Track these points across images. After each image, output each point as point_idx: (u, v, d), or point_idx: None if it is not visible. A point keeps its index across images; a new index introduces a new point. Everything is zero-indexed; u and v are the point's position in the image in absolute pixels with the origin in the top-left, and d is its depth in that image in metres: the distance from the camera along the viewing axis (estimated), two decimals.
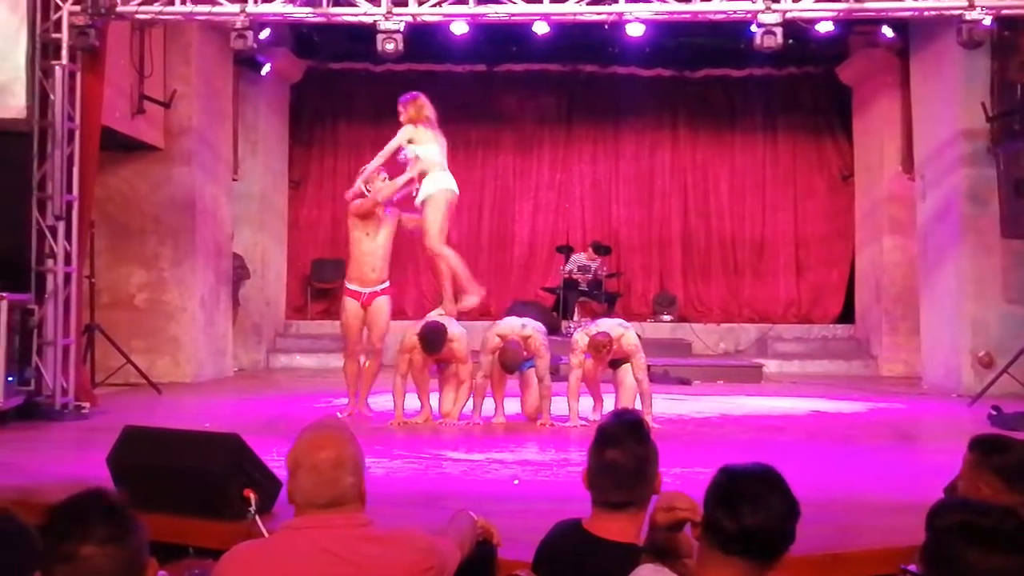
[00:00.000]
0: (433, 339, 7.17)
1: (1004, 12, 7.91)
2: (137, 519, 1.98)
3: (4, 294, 7.13)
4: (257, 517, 3.60)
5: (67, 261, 7.93)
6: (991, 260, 9.90)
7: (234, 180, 11.65)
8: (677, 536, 2.50)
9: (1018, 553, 1.94)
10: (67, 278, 7.94)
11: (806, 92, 13.71)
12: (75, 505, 1.95)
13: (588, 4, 7.96)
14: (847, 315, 13.33)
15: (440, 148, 7.85)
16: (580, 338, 7.38)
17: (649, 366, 10.62)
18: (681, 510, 2.38)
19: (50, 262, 7.86)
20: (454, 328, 7.41)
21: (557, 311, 12.73)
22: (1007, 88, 9.61)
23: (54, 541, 1.91)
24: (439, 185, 7.72)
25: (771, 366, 11.82)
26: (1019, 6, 7.81)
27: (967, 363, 9.85)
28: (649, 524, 2.52)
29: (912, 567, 2.12)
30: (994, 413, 7.67)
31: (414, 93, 7.92)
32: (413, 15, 7.95)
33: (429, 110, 7.84)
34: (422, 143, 7.75)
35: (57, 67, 7.81)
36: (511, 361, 7.25)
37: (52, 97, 7.80)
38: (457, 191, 7.86)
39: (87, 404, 7.89)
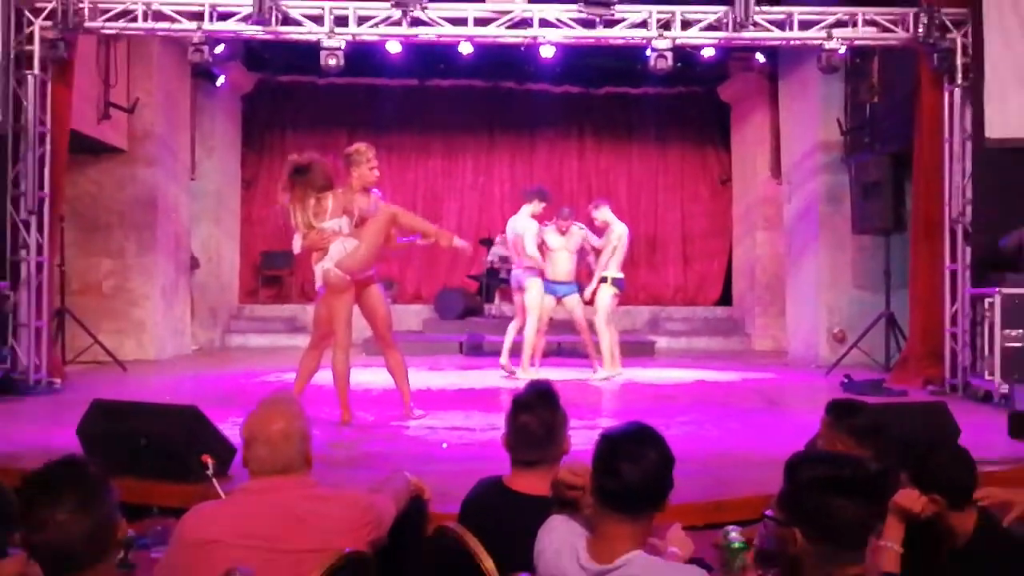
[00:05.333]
0: None
1: (856, 43, 8.15)
2: (108, 486, 1.92)
3: None
4: (214, 480, 3.52)
5: (39, 251, 7.69)
6: (844, 253, 10.17)
7: (192, 180, 11.37)
8: (576, 494, 2.50)
9: (867, 499, 1.99)
10: (39, 266, 7.70)
11: (692, 108, 13.83)
12: (48, 474, 1.89)
13: (507, 28, 7.97)
14: (725, 299, 13.55)
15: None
16: None
17: (559, 343, 10.80)
18: (576, 476, 2.35)
19: (24, 252, 7.62)
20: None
21: (480, 295, 12.74)
22: (858, 107, 9.88)
23: (29, 508, 1.85)
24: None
25: (662, 342, 11.97)
26: (868, 38, 8.05)
27: (824, 339, 10.10)
28: (552, 482, 2.53)
29: (770, 512, 2.13)
30: (846, 380, 7.90)
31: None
32: (353, 34, 7.85)
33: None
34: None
35: (29, 76, 7.54)
36: None
37: (25, 104, 7.54)
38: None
39: (58, 380, 7.68)
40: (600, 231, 8.71)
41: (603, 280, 8.48)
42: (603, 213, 8.67)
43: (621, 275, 8.59)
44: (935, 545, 2.53)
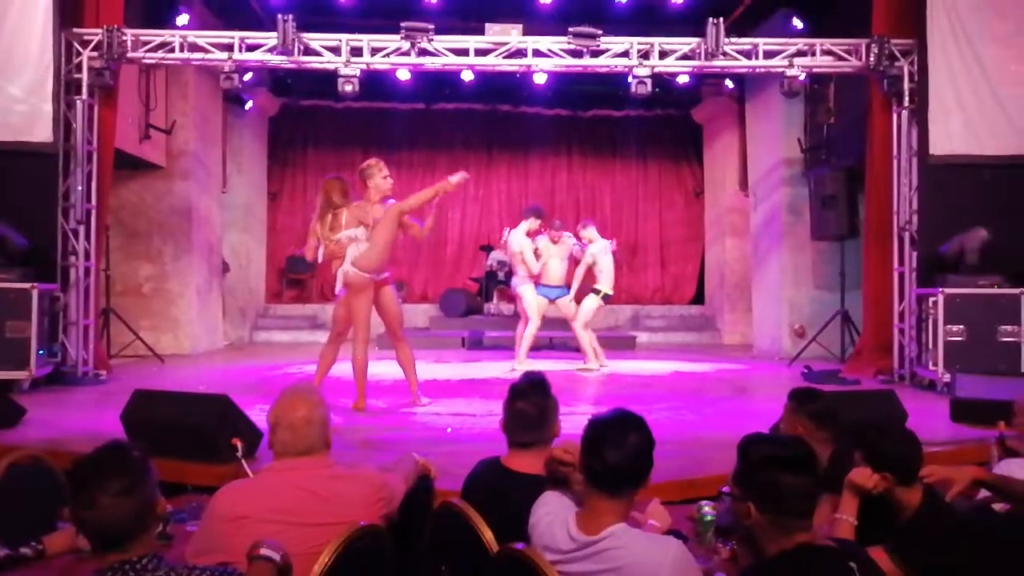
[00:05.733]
0: None
1: (815, 71, 8.16)
2: (149, 469, 1.90)
3: (36, 284, 6.86)
4: (243, 461, 3.52)
5: (87, 257, 7.65)
6: (804, 256, 10.18)
7: (223, 193, 11.34)
8: (568, 470, 2.51)
9: (809, 473, 2.02)
10: (87, 271, 7.66)
11: (668, 129, 13.81)
12: (96, 459, 1.87)
13: (504, 58, 7.96)
14: (699, 298, 13.54)
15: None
16: None
17: (551, 338, 10.79)
18: (567, 454, 2.36)
19: (73, 258, 7.58)
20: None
21: (481, 296, 12.74)
22: (816, 128, 9.88)
23: (79, 490, 1.84)
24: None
25: (642, 337, 11.97)
26: (826, 66, 8.05)
27: (786, 334, 10.11)
28: (546, 459, 2.52)
29: (726, 488, 2.14)
30: (806, 371, 7.92)
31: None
32: (367, 63, 7.84)
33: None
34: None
35: (78, 101, 7.53)
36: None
37: (74, 125, 7.52)
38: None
39: (103, 372, 7.65)
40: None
41: (595, 292, 8.50)
42: (589, 232, 8.68)
43: (611, 293, 8.62)
44: (885, 517, 2.53)
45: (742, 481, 2.03)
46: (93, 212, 7.68)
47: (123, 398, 4.57)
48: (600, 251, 8.50)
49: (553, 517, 2.19)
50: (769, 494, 1.98)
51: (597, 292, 8.48)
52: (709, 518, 2.71)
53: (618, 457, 2.08)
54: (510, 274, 12.30)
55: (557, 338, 10.74)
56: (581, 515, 2.15)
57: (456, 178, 6.04)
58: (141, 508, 1.85)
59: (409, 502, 2.61)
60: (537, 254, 8.51)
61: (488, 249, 13.02)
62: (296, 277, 13.33)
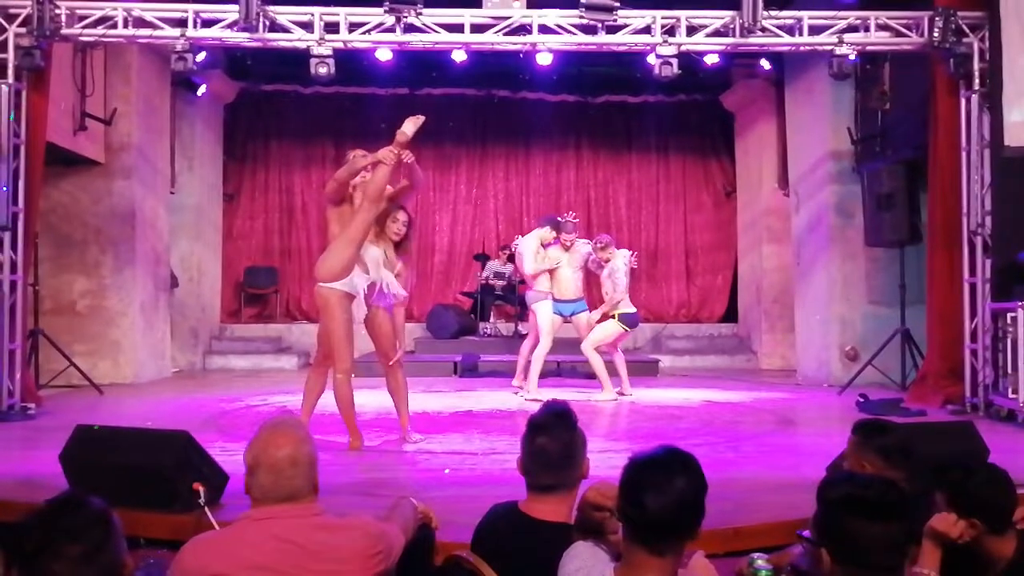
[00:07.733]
0: None
1: (868, 48, 8.21)
2: (112, 527, 1.87)
3: None
4: (206, 509, 3.51)
5: (13, 270, 7.63)
6: (856, 266, 10.20)
7: (171, 193, 11.34)
8: (604, 516, 2.50)
9: (897, 521, 2.01)
10: (12, 286, 7.64)
11: (694, 117, 13.89)
12: (48, 519, 1.82)
13: (504, 34, 8.00)
14: (731, 315, 13.57)
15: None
16: None
17: (559, 363, 10.78)
18: (604, 497, 2.36)
19: None
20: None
21: (474, 314, 12.74)
22: (869, 115, 9.93)
23: (26, 559, 1.79)
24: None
25: (665, 361, 11.96)
26: (881, 43, 8.11)
27: (836, 357, 10.11)
28: (579, 503, 2.51)
29: (806, 532, 2.15)
30: (861, 400, 7.91)
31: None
32: (344, 41, 7.87)
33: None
34: None
35: (3, 85, 7.52)
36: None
37: None
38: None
39: (32, 405, 7.61)
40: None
41: (612, 317, 8.62)
42: (609, 251, 8.76)
43: (632, 309, 8.74)
44: (973, 571, 2.52)
45: (821, 527, 2.04)
46: (20, 217, 7.67)
47: (57, 435, 4.55)
48: (618, 262, 8.59)
49: (586, 573, 2.17)
50: (843, 541, 1.98)
51: (612, 316, 8.57)
52: (764, 572, 2.69)
53: (660, 505, 2.05)
54: (509, 288, 12.38)
55: (565, 363, 10.73)
56: (620, 571, 2.14)
57: (409, 127, 6.04)
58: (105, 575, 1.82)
59: (408, 557, 2.58)
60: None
61: (483, 259, 13.03)
62: (257, 292, 13.32)
